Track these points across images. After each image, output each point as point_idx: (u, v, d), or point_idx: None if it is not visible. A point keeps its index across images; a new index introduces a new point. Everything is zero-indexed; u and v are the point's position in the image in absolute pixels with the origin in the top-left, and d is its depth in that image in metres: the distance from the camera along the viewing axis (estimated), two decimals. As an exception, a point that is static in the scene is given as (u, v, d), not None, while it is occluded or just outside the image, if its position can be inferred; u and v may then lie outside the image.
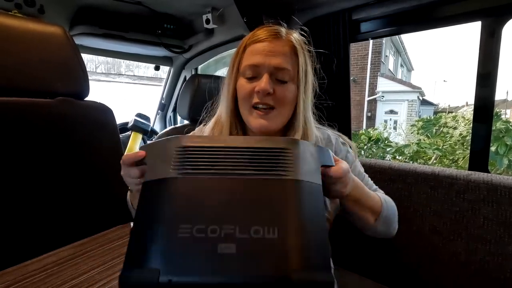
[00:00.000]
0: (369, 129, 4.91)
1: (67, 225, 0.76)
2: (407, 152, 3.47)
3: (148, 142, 2.04)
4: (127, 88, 4.53)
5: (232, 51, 1.71)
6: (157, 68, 2.05)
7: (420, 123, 4.31)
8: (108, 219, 0.82)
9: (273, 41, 0.62)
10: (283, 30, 0.66)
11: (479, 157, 0.97)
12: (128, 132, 1.88)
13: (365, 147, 4.21)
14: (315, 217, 0.35)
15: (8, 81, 0.67)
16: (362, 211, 0.60)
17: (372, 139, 3.99)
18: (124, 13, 1.45)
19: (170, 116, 2.27)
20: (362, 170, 0.78)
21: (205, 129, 0.78)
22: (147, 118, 1.95)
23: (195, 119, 1.14)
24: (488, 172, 0.94)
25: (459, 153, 3.67)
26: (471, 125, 3.44)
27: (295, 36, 0.67)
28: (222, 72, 2.09)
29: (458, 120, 3.50)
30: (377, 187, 0.77)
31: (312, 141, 0.71)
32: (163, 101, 2.22)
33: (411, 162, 3.80)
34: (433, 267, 0.94)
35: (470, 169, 0.98)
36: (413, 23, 1.08)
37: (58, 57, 0.73)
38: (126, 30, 1.47)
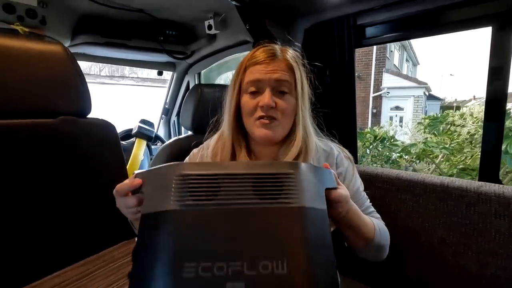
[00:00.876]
0: (374, 127, 4.86)
1: (73, 242, 0.76)
2: (413, 151, 3.42)
3: (152, 148, 2.04)
4: (131, 90, 4.55)
5: (236, 55, 1.69)
6: (160, 73, 2.04)
7: (427, 120, 4.25)
8: (113, 235, 0.81)
9: (271, 62, 0.67)
10: (278, 49, 0.71)
11: (491, 162, 0.95)
12: (132, 139, 1.88)
13: (371, 146, 4.17)
14: (322, 247, 0.35)
15: (9, 103, 0.66)
16: (353, 236, 0.62)
17: (378, 138, 3.94)
18: (126, 21, 1.44)
19: (174, 121, 2.27)
20: (362, 187, 0.78)
21: (209, 144, 0.79)
22: (151, 124, 1.95)
23: (198, 129, 1.13)
24: (499, 182, 0.92)
25: (467, 151, 3.61)
26: (479, 123, 3.37)
27: (290, 53, 0.72)
28: (227, 75, 2.08)
29: (466, 118, 3.43)
30: (373, 209, 0.78)
31: (312, 155, 0.73)
32: (166, 106, 2.22)
33: (417, 161, 3.75)
34: (443, 279, 0.92)
35: (480, 172, 0.96)
36: (419, 28, 1.05)
37: (59, 75, 0.72)
38: (128, 38, 1.46)
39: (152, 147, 2.06)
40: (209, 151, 0.76)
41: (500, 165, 0.95)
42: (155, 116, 2.32)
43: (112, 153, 0.81)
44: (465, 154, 3.55)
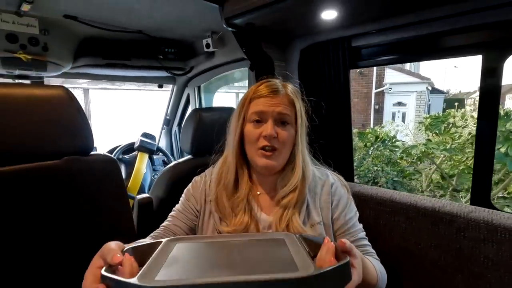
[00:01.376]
0: (376, 127, 4.87)
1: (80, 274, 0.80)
2: (414, 153, 3.44)
3: (154, 159, 2.07)
4: (133, 95, 4.59)
5: (234, 70, 1.72)
6: (160, 86, 2.07)
7: (429, 120, 4.25)
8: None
9: (274, 96, 0.73)
10: (280, 85, 0.76)
11: (482, 185, 0.97)
12: (134, 152, 1.92)
13: (372, 147, 4.19)
14: None
15: (18, 148, 0.70)
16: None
17: (379, 139, 3.96)
18: (125, 41, 1.47)
19: (176, 131, 2.31)
20: (356, 217, 0.81)
21: (212, 171, 0.84)
22: (152, 137, 1.99)
23: (197, 153, 1.16)
24: (490, 205, 0.94)
25: (468, 151, 3.63)
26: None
27: (290, 88, 0.78)
28: (225, 89, 2.10)
29: (467, 119, 3.43)
30: (367, 241, 0.79)
31: (309, 182, 0.76)
32: (167, 117, 2.25)
33: (419, 162, 3.77)
34: (435, 300, 0.96)
35: (472, 194, 0.98)
36: (412, 53, 1.06)
37: (62, 118, 0.76)
38: (127, 58, 1.49)
39: (154, 157, 2.10)
40: (213, 176, 0.81)
41: (491, 188, 0.97)
42: (157, 117, 2.35)
43: (114, 187, 0.85)
44: (466, 155, 3.56)
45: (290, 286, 0.32)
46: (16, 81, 1.35)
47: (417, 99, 9.98)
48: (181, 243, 0.47)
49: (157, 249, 0.43)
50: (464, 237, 0.88)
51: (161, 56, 1.55)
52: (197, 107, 2.02)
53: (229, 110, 1.27)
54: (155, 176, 2.03)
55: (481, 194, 0.98)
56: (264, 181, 0.79)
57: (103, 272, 0.37)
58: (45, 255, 0.73)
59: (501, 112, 3.15)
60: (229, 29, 1.12)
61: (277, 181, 0.77)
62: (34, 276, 0.71)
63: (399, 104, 10.16)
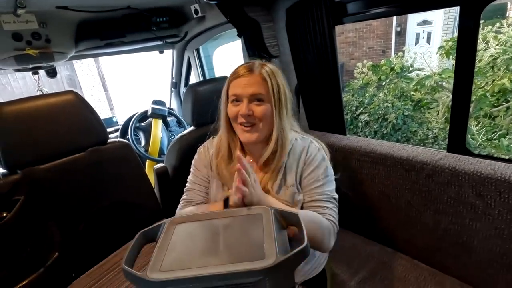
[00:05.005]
0: (391, 58, 4.62)
1: (115, 238, 1.03)
2: (427, 84, 3.33)
3: (168, 121, 2.25)
4: (136, 57, 4.61)
5: (229, 31, 1.72)
6: (161, 52, 2.13)
7: (450, 43, 3.95)
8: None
9: (248, 76, 0.81)
10: (256, 64, 0.83)
11: (458, 130, 1.05)
12: (149, 119, 2.10)
13: (388, 79, 4.06)
14: None
15: (51, 149, 0.89)
16: None
17: (393, 71, 3.81)
18: (117, 19, 1.51)
19: (184, 92, 2.42)
20: (327, 180, 0.86)
21: (213, 142, 0.95)
22: (162, 103, 2.14)
23: (199, 124, 1.31)
24: (465, 150, 1.03)
25: (489, 75, 3.45)
26: (502, 46, 3.11)
27: (267, 68, 0.82)
28: (223, 48, 2.11)
29: (489, 41, 3.17)
30: (327, 206, 0.84)
31: (287, 151, 0.85)
32: (174, 80, 2.35)
33: (433, 92, 3.66)
34: (408, 231, 1.14)
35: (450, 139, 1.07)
36: (395, 6, 1.04)
37: (78, 118, 0.92)
38: (123, 35, 1.55)
39: (168, 119, 2.28)
40: (213, 151, 0.92)
41: (466, 134, 1.05)
42: (164, 73, 2.44)
43: (132, 167, 1.04)
44: (486, 79, 3.40)
45: (259, 273, 0.44)
46: (31, 73, 1.49)
47: (445, 13, 8.92)
48: (180, 225, 0.59)
49: (162, 233, 0.57)
50: (432, 181, 1.01)
51: (154, 28, 1.58)
52: (198, 69, 2.08)
53: (223, 79, 1.35)
54: (172, 137, 2.24)
55: (457, 140, 1.07)
56: (253, 150, 0.89)
57: (123, 266, 0.48)
58: (84, 231, 0.96)
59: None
60: (210, 2, 1.14)
61: (263, 150, 0.85)
62: (79, 246, 0.95)
63: (424, 22, 9.18)
